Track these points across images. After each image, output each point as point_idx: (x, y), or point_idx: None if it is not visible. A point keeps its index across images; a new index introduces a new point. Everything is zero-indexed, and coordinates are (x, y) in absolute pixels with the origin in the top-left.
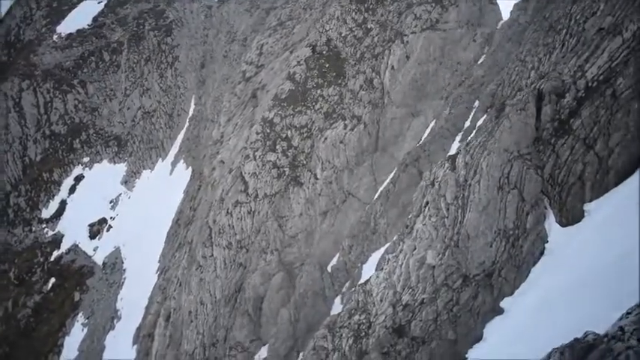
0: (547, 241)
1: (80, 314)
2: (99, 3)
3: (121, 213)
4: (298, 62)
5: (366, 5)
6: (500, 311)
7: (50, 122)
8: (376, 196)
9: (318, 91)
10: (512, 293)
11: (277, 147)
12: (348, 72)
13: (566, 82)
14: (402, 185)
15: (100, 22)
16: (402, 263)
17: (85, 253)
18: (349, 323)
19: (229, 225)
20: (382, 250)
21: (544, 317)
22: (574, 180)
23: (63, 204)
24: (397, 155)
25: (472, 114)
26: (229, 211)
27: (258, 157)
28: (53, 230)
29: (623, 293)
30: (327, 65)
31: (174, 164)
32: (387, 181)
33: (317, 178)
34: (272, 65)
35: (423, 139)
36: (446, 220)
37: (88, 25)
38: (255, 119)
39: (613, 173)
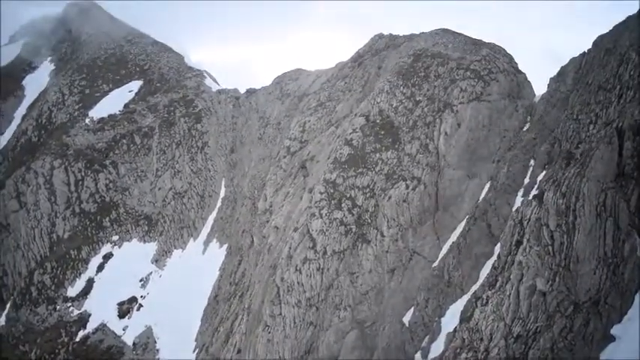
0: None
1: None
2: (129, 92)
3: (152, 292)
4: (354, 130)
5: (412, 81)
6: (612, 338)
7: (80, 200)
8: (445, 251)
9: (377, 155)
10: (620, 320)
11: (343, 205)
12: (403, 138)
13: (638, 122)
14: (473, 238)
15: (132, 108)
16: (510, 294)
17: (113, 332)
18: None
19: (298, 282)
20: (459, 302)
21: None
22: None
23: (90, 282)
24: (457, 214)
25: (530, 171)
26: (298, 267)
27: (324, 214)
28: (79, 309)
29: None
30: (382, 132)
31: (206, 243)
32: (458, 234)
33: (383, 236)
34: (319, 139)
35: (480, 198)
36: (550, 247)
37: (120, 110)
38: (310, 185)
39: None
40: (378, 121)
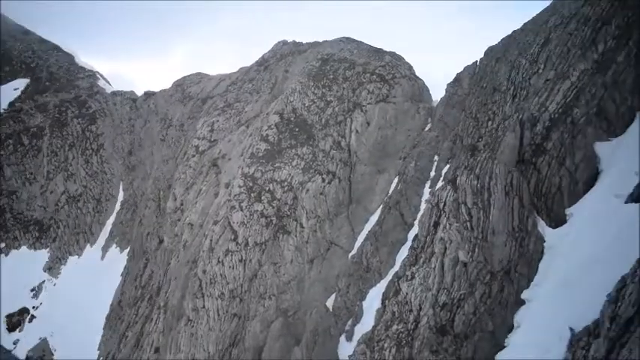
0: (545, 241)
1: None
2: (15, 90)
3: (46, 302)
4: (269, 126)
5: (322, 83)
6: (522, 302)
7: None
8: (361, 240)
9: (293, 150)
10: (528, 286)
11: (262, 198)
12: (316, 135)
13: (534, 115)
14: (389, 226)
15: (18, 107)
16: (435, 266)
17: (3, 347)
18: (387, 335)
19: (221, 274)
20: (379, 286)
21: (560, 303)
22: (555, 190)
23: None
24: (369, 207)
25: (435, 165)
26: (220, 259)
27: (244, 207)
28: None
29: (612, 275)
30: (296, 129)
31: (105, 249)
32: (374, 223)
33: (303, 227)
34: (229, 138)
35: (390, 191)
36: (468, 223)
37: (4, 109)
38: (225, 181)
39: (580, 184)
40: (292, 118)
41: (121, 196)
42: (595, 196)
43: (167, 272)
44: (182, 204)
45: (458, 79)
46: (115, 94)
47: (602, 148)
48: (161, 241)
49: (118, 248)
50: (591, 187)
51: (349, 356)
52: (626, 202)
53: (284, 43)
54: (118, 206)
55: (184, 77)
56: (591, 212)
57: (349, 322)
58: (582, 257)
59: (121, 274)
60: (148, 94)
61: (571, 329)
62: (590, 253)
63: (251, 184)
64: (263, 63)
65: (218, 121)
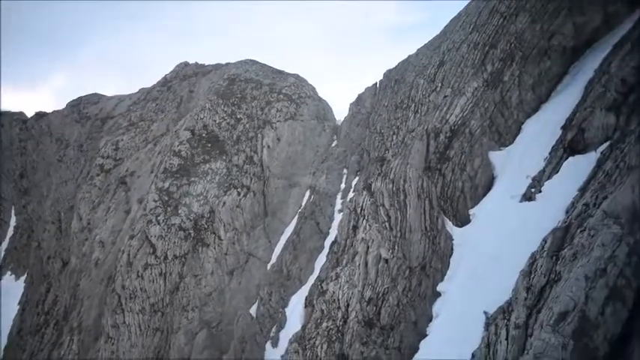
0: (453, 239)
1: None
2: None
3: None
4: (181, 142)
5: (231, 101)
6: (439, 294)
7: None
8: (278, 251)
9: (207, 165)
10: (442, 279)
11: (180, 211)
12: (229, 150)
13: (437, 127)
14: (306, 234)
15: None
16: (360, 264)
17: None
18: (318, 332)
19: (141, 288)
20: (300, 292)
21: (471, 292)
22: (459, 193)
23: None
24: (284, 219)
25: (345, 178)
26: (140, 273)
27: (162, 221)
28: None
29: (514, 264)
30: (209, 145)
31: None
32: (290, 232)
33: (221, 239)
34: (137, 156)
35: (302, 204)
36: (387, 223)
37: None
38: (137, 197)
39: (480, 187)
40: (203, 134)
41: (13, 221)
42: (493, 198)
43: (76, 294)
44: (89, 223)
45: (360, 98)
46: (2, 114)
47: (495, 156)
48: (65, 264)
49: (13, 275)
50: (489, 190)
51: (281, 356)
52: (520, 202)
53: (186, 64)
54: (10, 231)
55: (80, 98)
56: (491, 212)
57: (273, 329)
58: (487, 251)
59: (19, 303)
60: (40, 115)
61: (485, 312)
62: (493, 247)
63: (167, 198)
64: (165, 83)
65: (123, 139)
